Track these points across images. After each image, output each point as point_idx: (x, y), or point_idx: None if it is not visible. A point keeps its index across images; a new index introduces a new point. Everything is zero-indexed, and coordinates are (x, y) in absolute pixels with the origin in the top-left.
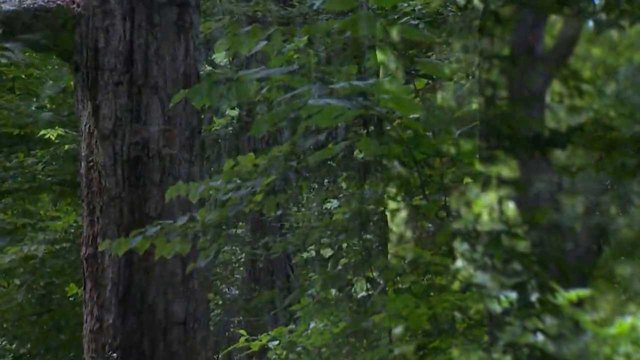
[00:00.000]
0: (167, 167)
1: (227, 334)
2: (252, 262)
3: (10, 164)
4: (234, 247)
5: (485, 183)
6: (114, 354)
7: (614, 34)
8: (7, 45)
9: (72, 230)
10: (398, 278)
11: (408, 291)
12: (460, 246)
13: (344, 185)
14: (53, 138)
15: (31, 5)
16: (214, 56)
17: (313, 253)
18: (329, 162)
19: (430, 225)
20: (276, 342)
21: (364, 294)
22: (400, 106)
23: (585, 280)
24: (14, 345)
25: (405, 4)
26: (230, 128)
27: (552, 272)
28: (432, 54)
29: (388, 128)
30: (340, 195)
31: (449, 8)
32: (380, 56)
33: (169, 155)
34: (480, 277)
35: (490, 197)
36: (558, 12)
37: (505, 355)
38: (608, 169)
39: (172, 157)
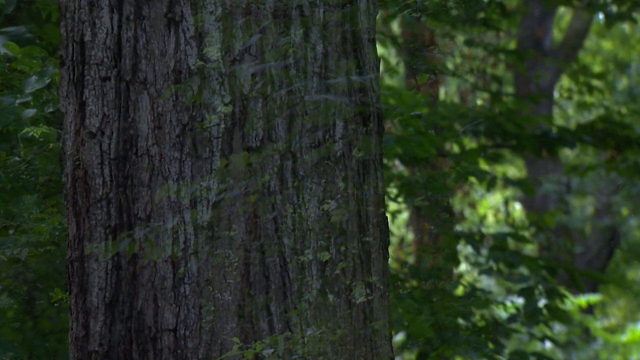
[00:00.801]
0: (156, 166)
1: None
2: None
3: None
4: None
5: (491, 183)
6: None
7: (625, 27)
8: None
9: (57, 233)
10: (399, 283)
11: (409, 297)
12: (464, 249)
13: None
14: (37, 136)
15: None
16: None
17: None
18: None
19: (432, 227)
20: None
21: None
22: (401, 102)
23: (596, 285)
24: None
25: None
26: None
27: (561, 277)
28: (435, 48)
29: (389, 125)
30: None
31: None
32: (380, 50)
33: (159, 154)
34: (485, 282)
35: (495, 198)
36: (567, 4)
37: None
38: (619, 168)
39: (162, 156)
